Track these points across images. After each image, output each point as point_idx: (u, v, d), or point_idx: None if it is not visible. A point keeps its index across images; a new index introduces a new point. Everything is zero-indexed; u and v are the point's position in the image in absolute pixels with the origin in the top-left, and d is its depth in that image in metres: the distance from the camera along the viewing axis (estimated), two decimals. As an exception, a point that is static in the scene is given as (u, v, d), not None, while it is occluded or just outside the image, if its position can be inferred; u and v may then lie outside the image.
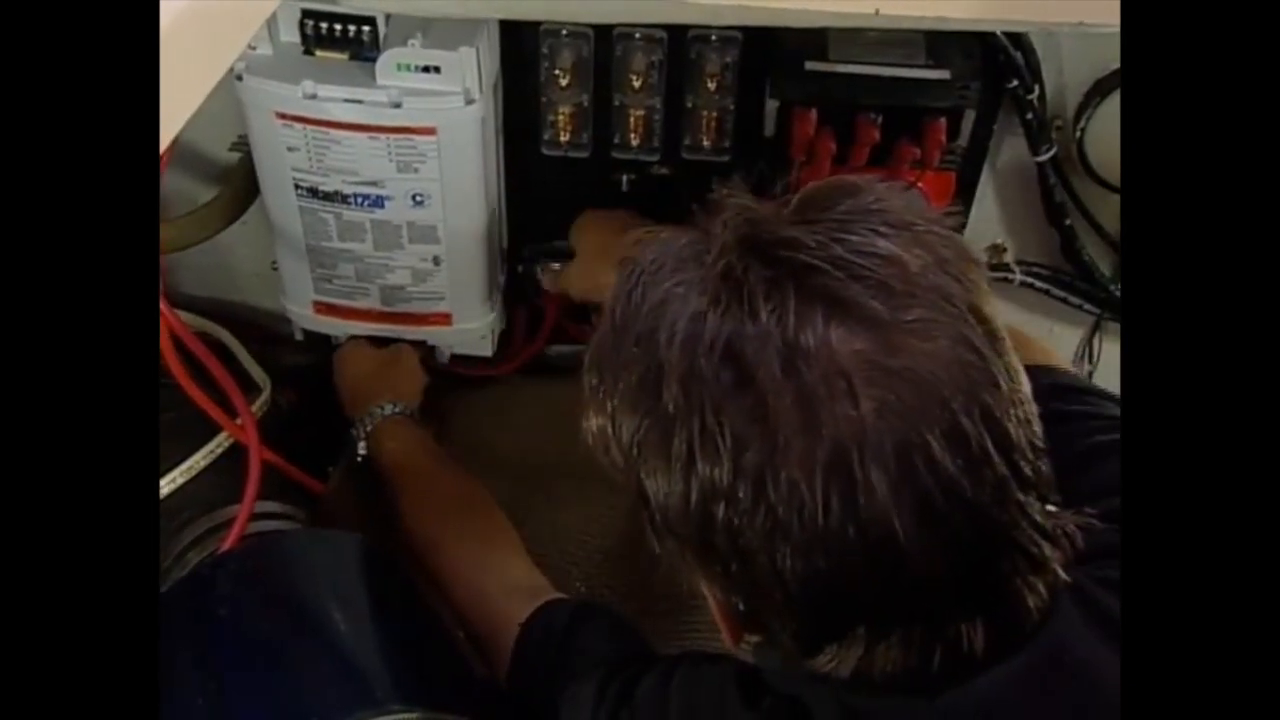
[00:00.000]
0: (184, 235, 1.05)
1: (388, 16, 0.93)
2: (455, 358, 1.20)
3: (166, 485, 0.93)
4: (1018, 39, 1.02)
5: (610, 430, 0.56)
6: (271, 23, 0.94)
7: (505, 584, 0.89)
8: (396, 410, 1.07)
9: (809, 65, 1.00)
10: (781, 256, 0.51)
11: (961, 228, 1.10)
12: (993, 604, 0.54)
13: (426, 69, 0.93)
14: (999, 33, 1.00)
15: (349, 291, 1.10)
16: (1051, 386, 0.71)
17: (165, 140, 0.50)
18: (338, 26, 0.94)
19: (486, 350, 1.18)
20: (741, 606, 0.57)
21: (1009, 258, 1.18)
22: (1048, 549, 0.54)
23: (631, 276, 0.56)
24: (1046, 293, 1.19)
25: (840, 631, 0.54)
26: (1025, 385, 0.53)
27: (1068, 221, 1.14)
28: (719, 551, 0.53)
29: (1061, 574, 0.55)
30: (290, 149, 0.98)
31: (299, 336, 1.18)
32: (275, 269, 1.12)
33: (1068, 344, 1.25)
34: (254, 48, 0.94)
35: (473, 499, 0.99)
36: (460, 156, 0.99)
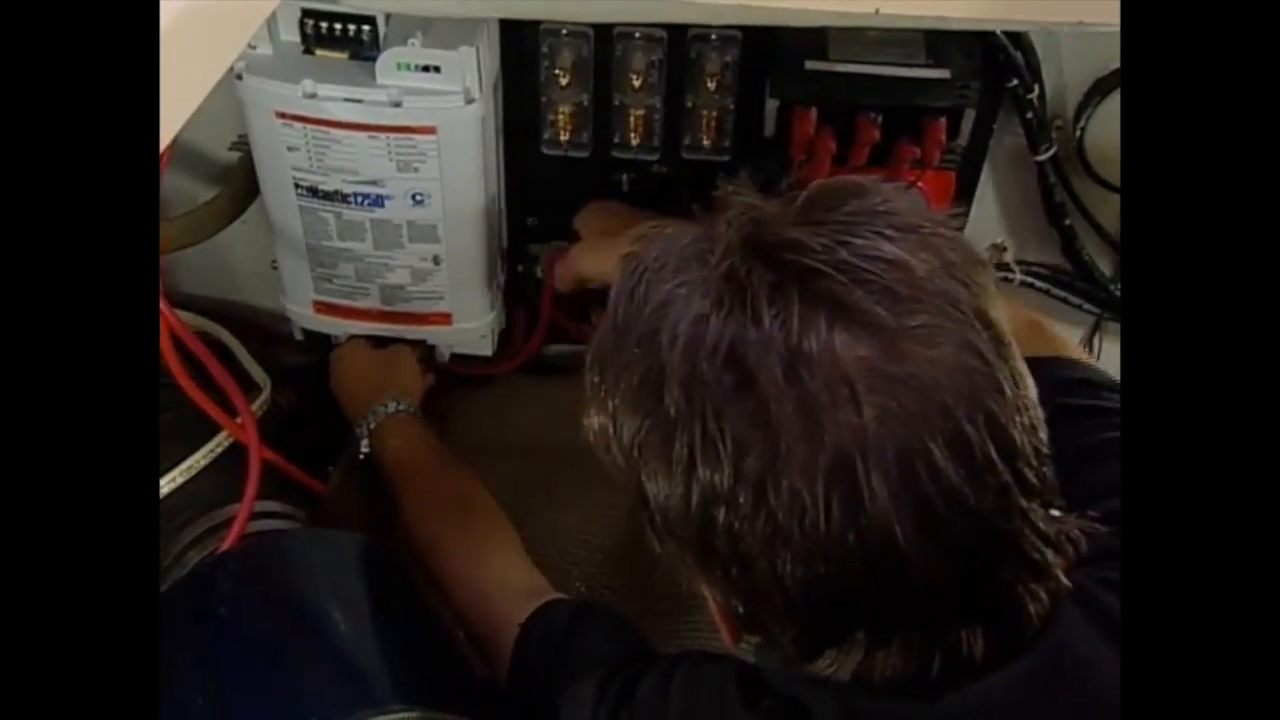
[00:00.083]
0: (184, 234, 1.05)
1: (388, 16, 0.93)
2: (455, 357, 1.20)
3: (166, 485, 0.93)
4: (1018, 38, 1.02)
5: (611, 430, 0.56)
6: (271, 22, 0.94)
7: (506, 584, 0.89)
8: (401, 408, 1.07)
9: (809, 65, 1.00)
10: (785, 260, 0.51)
11: (961, 228, 1.10)
12: (994, 611, 0.54)
13: (426, 68, 0.93)
14: (999, 32, 1.00)
15: (349, 291, 1.10)
16: (1066, 380, 0.71)
17: (165, 139, 0.50)
18: (338, 26, 0.94)
19: (487, 350, 1.18)
20: (741, 610, 0.56)
21: (1009, 258, 1.18)
22: (1050, 555, 0.53)
23: (635, 273, 0.56)
24: (1046, 292, 1.19)
25: (840, 636, 0.54)
26: (1031, 390, 0.53)
27: (1068, 221, 1.14)
28: (719, 555, 0.53)
29: (1063, 580, 0.54)
30: (290, 148, 0.98)
31: (299, 336, 1.18)
32: (275, 268, 1.12)
33: (1068, 344, 1.26)
34: (254, 47, 0.94)
35: (474, 498, 0.99)
36: (460, 156, 0.99)
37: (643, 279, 0.55)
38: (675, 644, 0.95)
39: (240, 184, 1.07)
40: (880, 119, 1.00)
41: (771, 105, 1.04)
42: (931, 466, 0.49)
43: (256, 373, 1.09)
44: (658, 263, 0.55)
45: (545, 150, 1.10)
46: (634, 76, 1.04)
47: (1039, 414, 0.53)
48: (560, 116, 1.08)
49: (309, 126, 0.96)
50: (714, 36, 1.02)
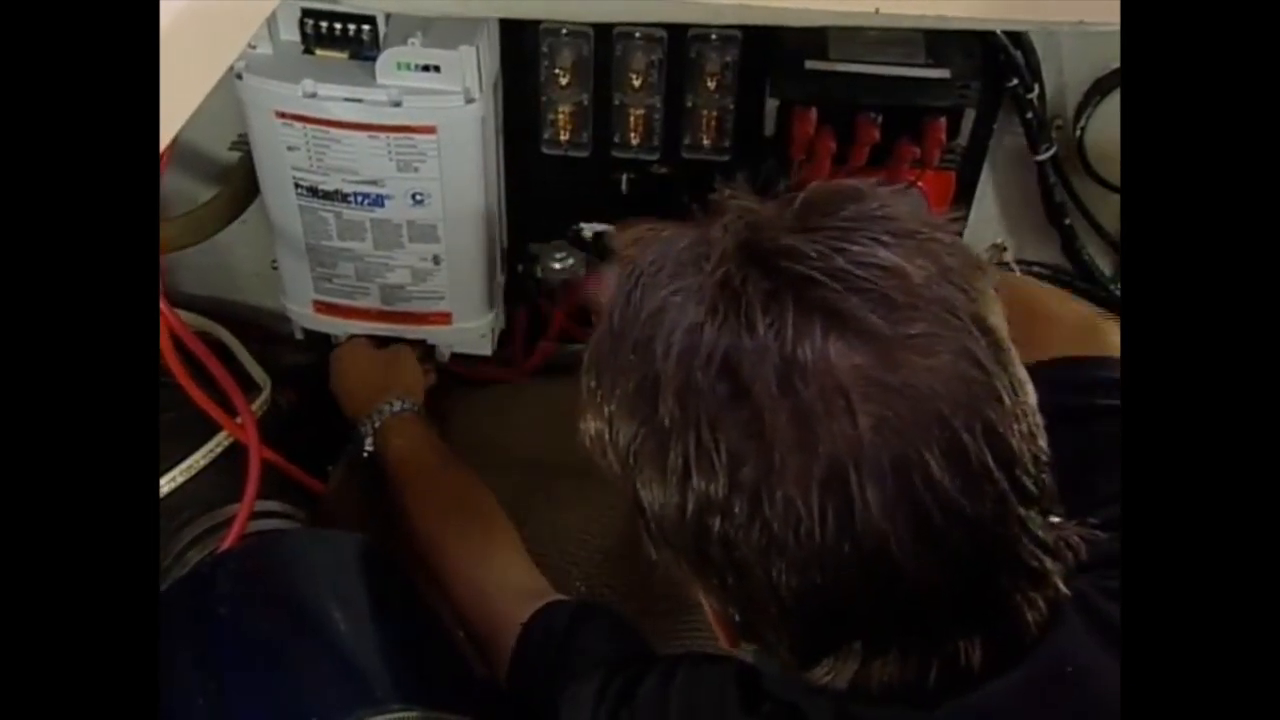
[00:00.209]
0: (184, 234, 1.05)
1: (388, 15, 0.93)
2: (457, 358, 1.20)
3: (167, 484, 0.93)
4: (1018, 38, 1.02)
5: (607, 435, 0.56)
6: (271, 22, 0.94)
7: (506, 584, 0.89)
8: (405, 407, 1.07)
9: (809, 64, 1.00)
10: (781, 267, 0.51)
11: (961, 230, 1.10)
12: (991, 619, 0.53)
13: (426, 68, 0.93)
14: (999, 32, 1.00)
15: (349, 291, 1.10)
16: (1105, 380, 0.70)
17: (165, 139, 0.50)
18: (338, 25, 0.94)
19: (486, 349, 1.18)
20: (738, 618, 0.56)
21: (1009, 257, 1.18)
22: (1049, 563, 0.53)
23: (631, 277, 0.56)
24: (1046, 292, 1.19)
25: (836, 645, 0.54)
26: (1031, 397, 0.53)
27: (1068, 221, 1.14)
28: (715, 563, 0.53)
29: (1062, 588, 0.54)
30: (290, 148, 0.98)
31: (299, 336, 1.18)
32: (275, 268, 1.12)
33: (1067, 343, 1.25)
34: (254, 47, 0.94)
35: (476, 498, 0.99)
36: (460, 155, 0.99)
37: (639, 283, 0.55)
38: (675, 644, 0.95)
39: (240, 184, 1.07)
40: (880, 119, 1.00)
41: (771, 105, 1.04)
42: (927, 476, 0.49)
43: (256, 373, 1.10)
44: (654, 267, 0.55)
45: (545, 150, 1.10)
46: (634, 76, 1.04)
47: (1038, 420, 0.53)
48: (560, 116, 1.08)
49: (309, 126, 0.96)
50: (714, 36, 1.02)
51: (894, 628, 0.53)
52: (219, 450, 0.96)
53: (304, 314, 1.14)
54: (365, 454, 1.06)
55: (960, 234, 0.57)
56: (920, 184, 1.03)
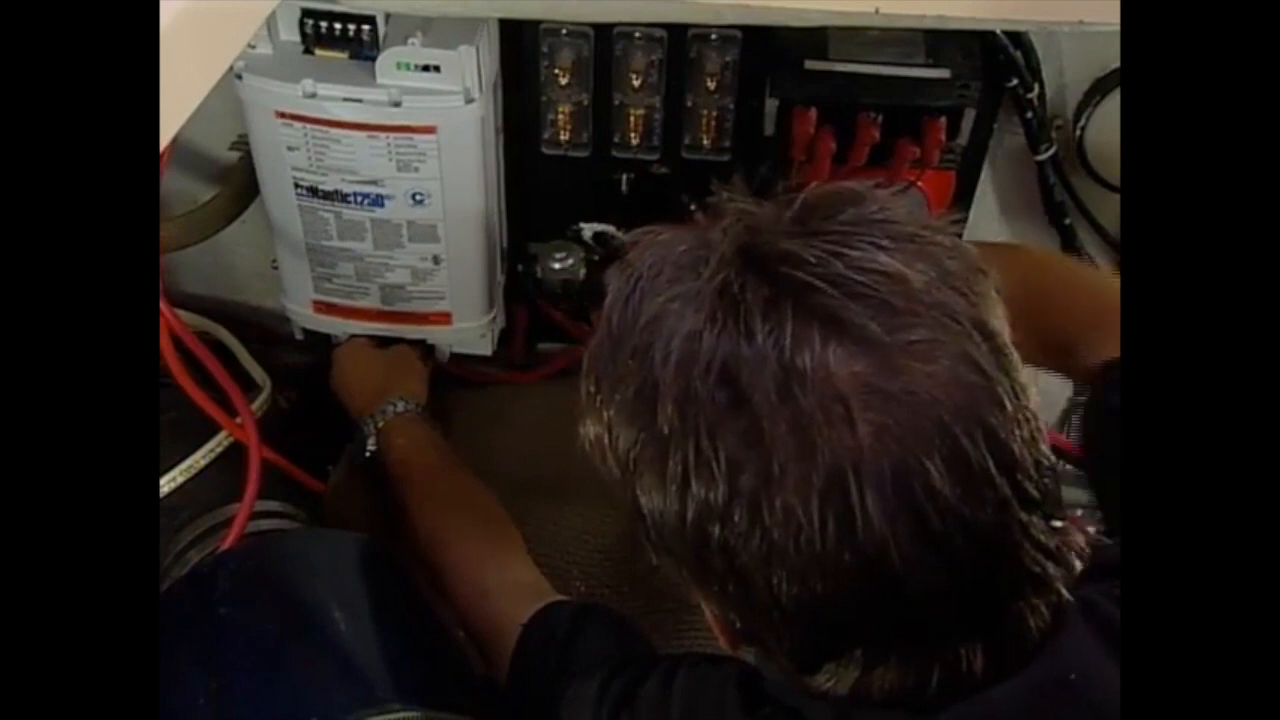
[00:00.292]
0: (184, 234, 1.05)
1: (387, 15, 0.93)
2: (457, 358, 1.20)
3: (167, 484, 0.93)
4: (1018, 38, 1.02)
5: (607, 440, 0.56)
6: (271, 22, 0.94)
7: (508, 583, 0.89)
8: (409, 407, 1.07)
9: (809, 64, 1.00)
10: (780, 273, 0.50)
11: (960, 232, 1.10)
12: (993, 626, 0.53)
13: (426, 68, 0.93)
14: (999, 31, 1.00)
15: (349, 291, 1.10)
16: None
17: (165, 139, 0.50)
18: (337, 25, 0.94)
19: (486, 349, 1.18)
20: (738, 624, 0.56)
21: (1009, 257, 1.18)
22: (1051, 568, 0.53)
23: (629, 280, 0.55)
24: (1046, 292, 1.19)
25: (837, 652, 0.54)
26: (1033, 401, 0.52)
27: (1067, 221, 1.14)
28: (715, 571, 0.53)
29: (1065, 593, 0.54)
30: (290, 148, 0.98)
31: (299, 336, 1.18)
32: (275, 268, 1.12)
33: (1067, 343, 1.25)
34: (254, 46, 0.94)
35: (478, 498, 0.99)
36: (460, 155, 0.99)
37: (637, 287, 0.54)
38: (675, 644, 0.96)
39: (240, 184, 1.07)
40: (880, 119, 1.00)
41: (771, 105, 1.04)
42: (928, 484, 0.48)
43: (256, 373, 1.10)
44: (652, 270, 0.54)
45: (545, 150, 1.10)
46: (634, 76, 1.04)
47: (1040, 425, 0.52)
48: (560, 116, 1.08)
49: (309, 126, 0.96)
50: (714, 36, 1.02)
51: (895, 635, 0.52)
52: (219, 450, 0.96)
53: (304, 314, 1.14)
54: (368, 454, 1.06)
55: (960, 235, 0.57)
56: (920, 184, 1.03)
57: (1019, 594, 0.53)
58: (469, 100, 0.95)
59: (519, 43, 1.03)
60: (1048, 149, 1.09)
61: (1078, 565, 0.54)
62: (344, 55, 0.95)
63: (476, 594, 0.90)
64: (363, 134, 0.96)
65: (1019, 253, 0.97)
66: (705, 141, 1.09)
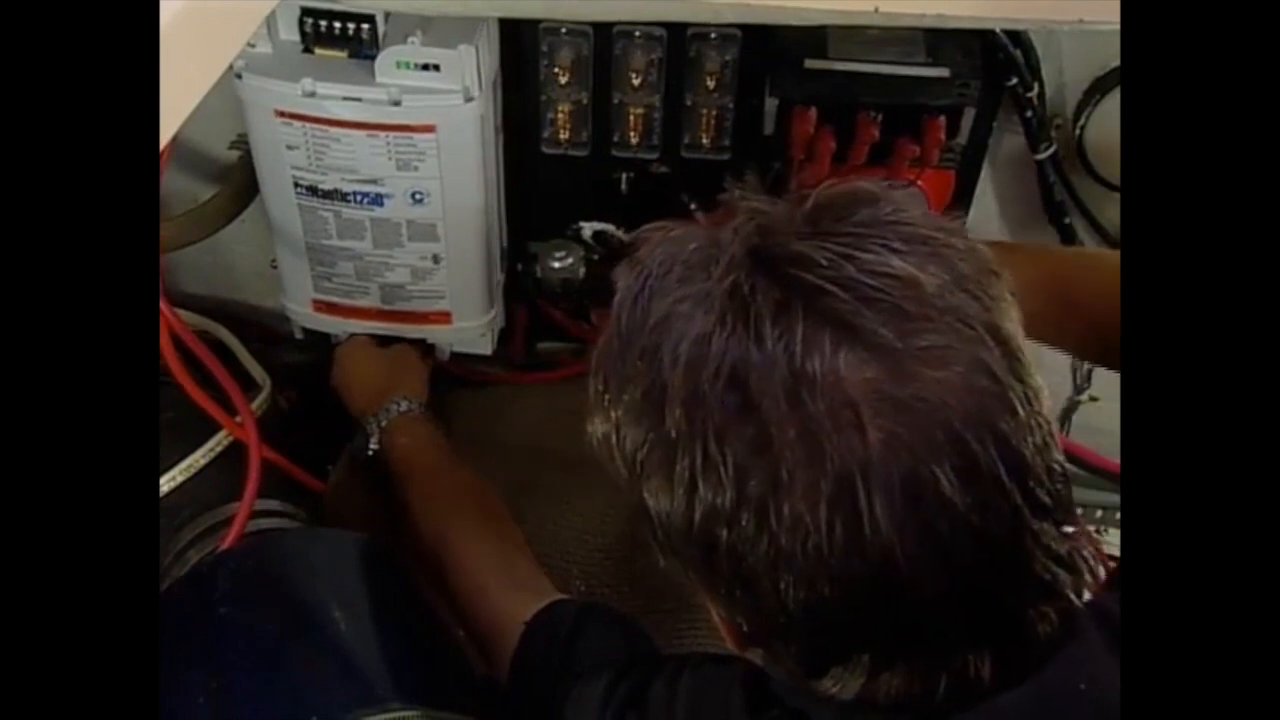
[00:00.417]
0: (184, 234, 1.05)
1: (387, 14, 0.93)
2: (457, 358, 1.20)
3: (166, 483, 0.93)
4: (1017, 37, 1.02)
5: (614, 439, 0.55)
6: (271, 21, 0.94)
7: (509, 582, 0.89)
8: (410, 407, 1.07)
9: (808, 63, 1.00)
10: (790, 276, 0.50)
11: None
12: (1001, 633, 0.53)
13: (426, 67, 0.93)
14: (999, 30, 1.00)
15: (348, 290, 1.10)
16: None
17: (165, 138, 0.50)
18: (337, 24, 0.94)
19: (486, 348, 1.18)
20: (745, 627, 0.56)
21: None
22: (1062, 575, 0.52)
23: (639, 279, 0.55)
24: (1046, 291, 1.19)
25: (843, 657, 0.53)
26: (1046, 406, 0.52)
27: (1067, 220, 1.14)
28: (721, 574, 0.52)
29: (1075, 600, 0.53)
30: (289, 147, 0.98)
31: (299, 335, 1.18)
32: (275, 267, 1.12)
33: (1067, 342, 1.25)
34: (253, 45, 0.94)
35: (480, 497, 0.99)
36: (460, 154, 0.99)
37: (646, 285, 0.54)
38: (676, 644, 0.96)
39: (240, 183, 1.07)
40: (880, 117, 1.00)
41: (771, 104, 1.04)
42: (938, 491, 0.48)
43: (256, 372, 1.10)
44: (662, 269, 0.54)
45: (545, 149, 1.10)
46: (634, 75, 1.04)
47: (1053, 430, 0.52)
48: (560, 115, 1.08)
49: (308, 125, 0.96)
50: (714, 35, 1.02)
51: (902, 641, 0.52)
52: (219, 449, 0.96)
53: (304, 313, 1.14)
54: (370, 452, 1.06)
55: (966, 235, 0.56)
56: (920, 183, 1.03)
57: (1029, 601, 0.52)
58: (468, 99, 0.95)
59: (519, 42, 1.03)
60: (1047, 148, 1.09)
61: (1088, 572, 0.53)
62: (343, 54, 0.95)
63: (478, 592, 0.90)
64: (362, 133, 0.96)
65: (1036, 252, 0.96)
66: (705, 140, 1.09)
